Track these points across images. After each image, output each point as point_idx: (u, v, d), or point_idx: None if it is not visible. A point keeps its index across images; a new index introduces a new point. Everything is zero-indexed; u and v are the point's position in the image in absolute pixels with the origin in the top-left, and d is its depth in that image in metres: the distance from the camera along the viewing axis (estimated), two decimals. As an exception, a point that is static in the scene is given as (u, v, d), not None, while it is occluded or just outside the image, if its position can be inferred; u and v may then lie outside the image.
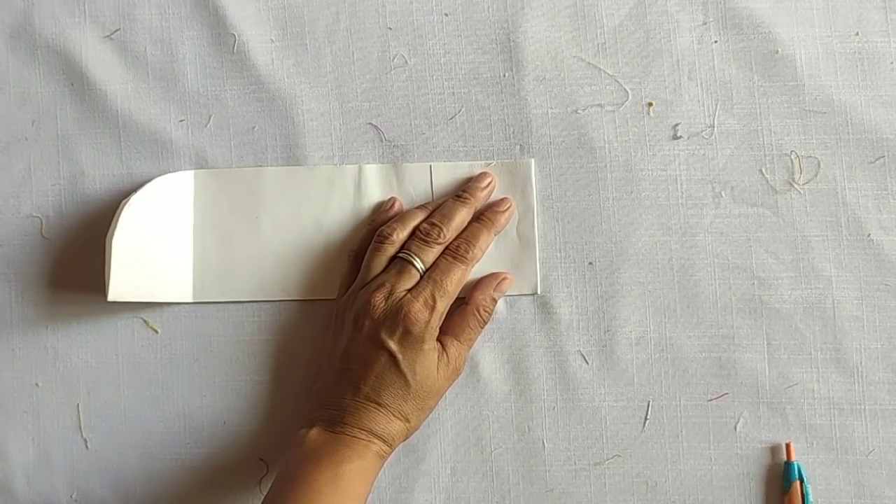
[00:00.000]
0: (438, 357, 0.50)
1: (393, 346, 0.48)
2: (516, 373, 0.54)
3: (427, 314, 0.49)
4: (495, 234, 0.53)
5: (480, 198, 0.53)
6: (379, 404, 0.48)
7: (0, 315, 0.57)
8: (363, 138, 0.56)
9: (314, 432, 0.48)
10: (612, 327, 0.54)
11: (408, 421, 0.49)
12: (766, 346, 0.53)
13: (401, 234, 0.52)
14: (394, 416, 0.49)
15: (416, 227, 0.52)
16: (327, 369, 0.52)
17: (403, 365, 0.48)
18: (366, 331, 0.49)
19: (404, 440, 0.50)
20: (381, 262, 0.51)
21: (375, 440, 0.48)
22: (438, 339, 0.51)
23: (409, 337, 0.48)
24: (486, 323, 0.52)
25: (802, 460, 0.52)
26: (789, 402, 0.52)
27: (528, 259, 0.54)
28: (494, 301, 0.53)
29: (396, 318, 0.49)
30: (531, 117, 0.55)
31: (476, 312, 0.52)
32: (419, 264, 0.51)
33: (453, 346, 0.51)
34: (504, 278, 0.53)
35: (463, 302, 0.52)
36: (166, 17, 0.57)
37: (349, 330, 0.50)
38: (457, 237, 0.52)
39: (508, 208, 0.53)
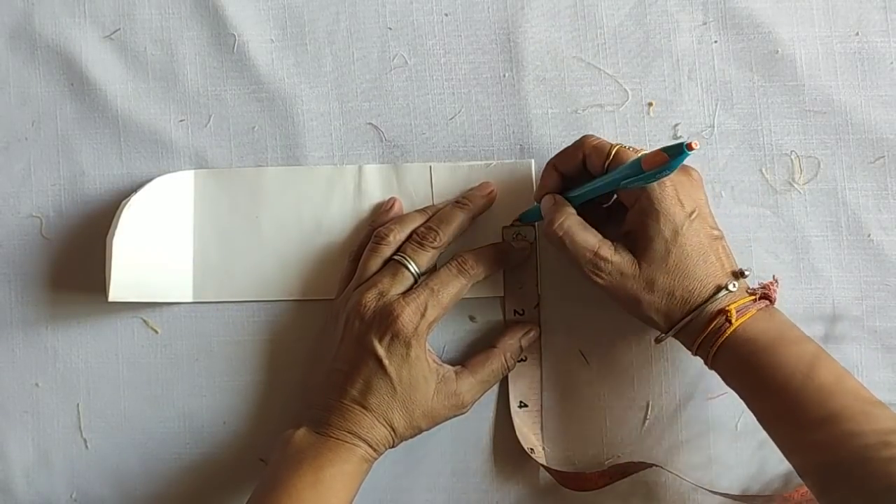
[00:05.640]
0: (440, 379, 0.49)
1: (380, 349, 0.48)
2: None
3: (416, 319, 0.48)
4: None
5: (480, 205, 0.53)
6: (364, 407, 0.48)
7: (0, 315, 0.57)
8: (363, 138, 0.56)
9: (300, 433, 0.48)
10: (612, 327, 0.53)
11: (393, 429, 0.48)
12: (766, 346, 0.53)
13: (398, 236, 0.52)
14: (378, 421, 0.48)
15: (414, 231, 0.52)
16: (319, 369, 0.52)
17: (389, 369, 0.48)
18: (355, 332, 0.49)
19: (391, 447, 0.50)
20: (376, 263, 0.51)
21: (360, 443, 0.48)
22: (455, 370, 0.50)
23: (396, 341, 0.48)
24: (508, 370, 0.52)
25: (802, 460, 0.52)
26: (789, 402, 0.52)
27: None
28: (521, 350, 0.53)
29: (385, 320, 0.48)
30: (531, 117, 0.55)
31: (502, 356, 0.52)
32: (413, 267, 0.51)
33: (466, 381, 0.50)
34: (531, 330, 0.53)
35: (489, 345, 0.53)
36: (166, 17, 0.57)
37: (340, 330, 0.50)
38: (468, 251, 0.52)
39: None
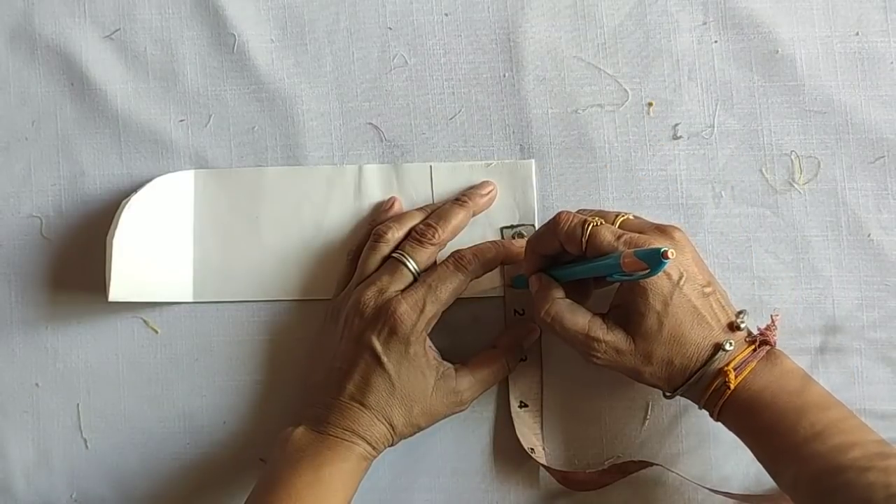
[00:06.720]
0: (440, 376, 0.49)
1: (377, 346, 0.48)
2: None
3: (415, 316, 0.48)
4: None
5: (480, 203, 0.53)
6: (363, 405, 0.48)
7: (0, 315, 0.57)
8: (363, 138, 0.56)
9: (299, 431, 0.48)
10: (612, 327, 0.53)
11: (392, 427, 0.48)
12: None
13: (396, 234, 0.52)
14: (377, 418, 0.48)
15: (413, 228, 0.52)
16: (318, 367, 0.52)
17: (388, 366, 0.48)
18: (354, 329, 0.49)
19: (391, 446, 0.49)
20: (375, 261, 0.51)
21: (359, 441, 0.48)
22: (455, 368, 0.50)
23: (393, 338, 0.48)
24: (509, 371, 0.52)
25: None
26: (789, 402, 0.52)
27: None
28: (522, 350, 0.53)
29: (383, 317, 0.48)
30: (531, 117, 0.55)
31: (503, 356, 0.52)
32: (412, 265, 0.50)
33: (465, 380, 0.50)
34: (532, 329, 0.53)
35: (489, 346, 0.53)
36: (166, 17, 0.57)
37: (340, 328, 0.50)
38: (467, 248, 0.51)
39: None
